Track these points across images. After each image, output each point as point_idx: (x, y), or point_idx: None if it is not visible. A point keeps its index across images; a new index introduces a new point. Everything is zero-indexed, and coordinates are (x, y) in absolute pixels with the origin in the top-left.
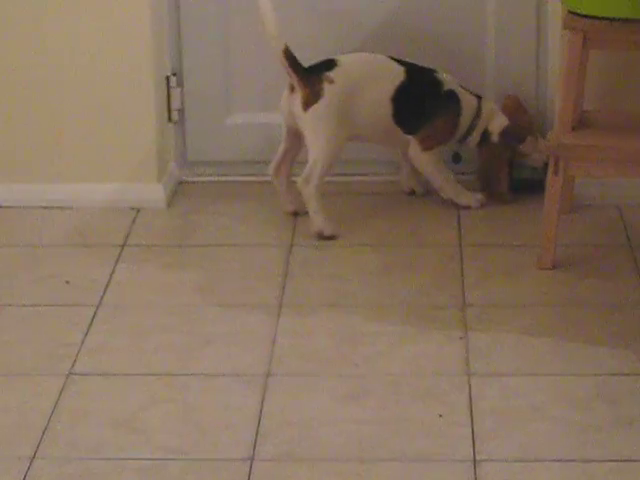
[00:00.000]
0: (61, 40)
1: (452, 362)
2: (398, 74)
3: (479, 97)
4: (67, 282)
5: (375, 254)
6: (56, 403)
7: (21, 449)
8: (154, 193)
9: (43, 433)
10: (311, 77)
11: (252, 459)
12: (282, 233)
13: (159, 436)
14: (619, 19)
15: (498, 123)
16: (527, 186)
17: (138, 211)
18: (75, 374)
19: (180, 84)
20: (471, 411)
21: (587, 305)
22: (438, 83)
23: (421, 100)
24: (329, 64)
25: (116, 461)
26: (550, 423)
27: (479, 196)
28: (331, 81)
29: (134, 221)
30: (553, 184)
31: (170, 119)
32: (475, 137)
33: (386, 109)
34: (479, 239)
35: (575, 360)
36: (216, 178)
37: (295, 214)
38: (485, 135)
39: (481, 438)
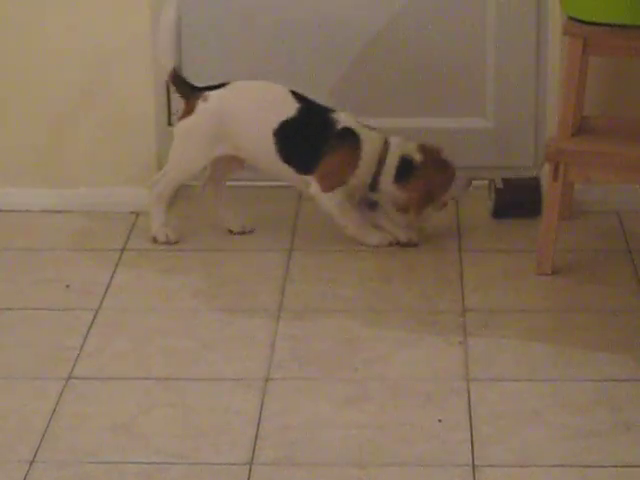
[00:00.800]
0: (61, 43)
1: (451, 367)
2: (287, 109)
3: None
4: (67, 286)
5: (374, 259)
6: (55, 407)
7: (20, 453)
8: None
9: (42, 437)
10: (192, 93)
11: (251, 463)
12: (281, 238)
13: (158, 440)
14: (619, 25)
15: (413, 145)
16: (513, 212)
17: (138, 215)
18: (75, 378)
19: None
20: (470, 416)
21: (586, 311)
22: (332, 122)
23: (310, 138)
24: (220, 86)
25: (115, 465)
26: (549, 428)
27: (385, 233)
28: (205, 99)
29: (134, 225)
30: (552, 190)
31: (170, 123)
32: (388, 173)
33: (269, 142)
34: (478, 244)
35: (574, 365)
36: None
37: (241, 233)
38: (406, 162)
39: (480, 443)
